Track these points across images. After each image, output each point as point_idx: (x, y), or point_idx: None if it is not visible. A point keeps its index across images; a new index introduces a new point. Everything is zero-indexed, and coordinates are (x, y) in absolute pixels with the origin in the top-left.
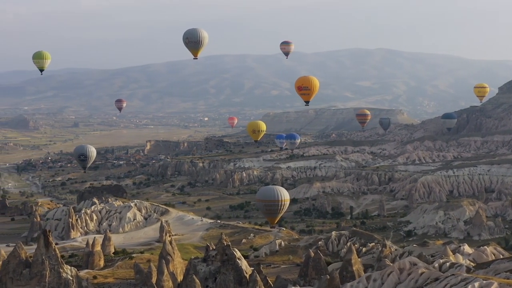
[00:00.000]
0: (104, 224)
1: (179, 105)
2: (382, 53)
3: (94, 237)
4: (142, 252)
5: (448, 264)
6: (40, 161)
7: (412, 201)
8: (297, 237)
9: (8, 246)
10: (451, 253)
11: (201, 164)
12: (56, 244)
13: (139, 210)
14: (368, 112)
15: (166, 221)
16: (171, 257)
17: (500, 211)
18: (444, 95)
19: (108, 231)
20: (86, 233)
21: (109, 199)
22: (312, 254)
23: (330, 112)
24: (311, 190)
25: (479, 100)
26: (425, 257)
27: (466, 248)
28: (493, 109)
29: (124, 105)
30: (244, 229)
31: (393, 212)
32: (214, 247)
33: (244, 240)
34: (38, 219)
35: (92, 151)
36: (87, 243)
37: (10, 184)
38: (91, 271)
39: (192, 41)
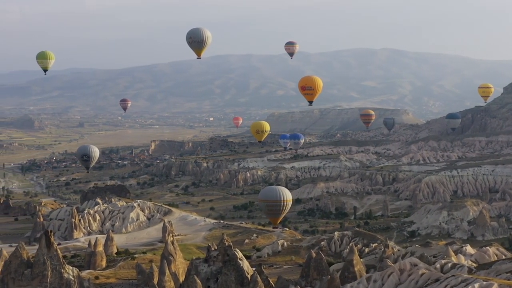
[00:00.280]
0: (107, 224)
1: (184, 105)
2: (388, 53)
3: (96, 238)
4: (144, 253)
5: (449, 264)
6: (45, 161)
7: (416, 201)
8: (300, 237)
9: (11, 246)
10: (453, 254)
11: (205, 164)
12: (59, 244)
13: (142, 210)
14: (372, 112)
15: (169, 222)
16: (173, 257)
17: (504, 211)
18: (449, 95)
19: (110, 231)
20: (89, 233)
21: (113, 199)
22: (314, 255)
23: (335, 112)
24: (315, 190)
25: (483, 100)
26: (426, 258)
27: (468, 249)
28: (498, 109)
29: (129, 104)
30: (247, 229)
31: (397, 213)
32: (216, 248)
33: (246, 241)
34: (41, 219)
35: (95, 151)
36: (89, 243)
37: (14, 184)
38: (93, 271)
39: (196, 41)
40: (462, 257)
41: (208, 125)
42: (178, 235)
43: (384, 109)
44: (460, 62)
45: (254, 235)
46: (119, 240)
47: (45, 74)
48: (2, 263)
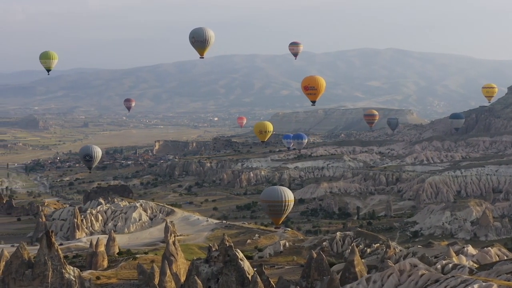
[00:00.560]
0: (110, 224)
1: (189, 105)
2: (392, 53)
3: (98, 238)
4: (146, 253)
5: (450, 265)
6: (49, 161)
7: (419, 201)
8: (302, 237)
9: (13, 246)
10: (454, 254)
11: (208, 164)
12: (61, 244)
13: (145, 210)
14: (376, 113)
15: (171, 222)
16: (174, 257)
17: (508, 211)
18: (454, 95)
19: (112, 231)
20: (91, 234)
21: (115, 199)
22: (315, 255)
23: (339, 112)
24: (318, 191)
25: (487, 100)
26: (427, 258)
27: (470, 249)
28: (502, 109)
29: (133, 104)
30: (249, 229)
31: (400, 213)
32: (217, 248)
33: (249, 241)
34: (44, 220)
35: (98, 152)
36: (91, 244)
37: (18, 184)
38: (94, 271)
39: (198, 40)
40: (463, 258)
41: (213, 125)
42: (180, 235)
43: (389, 109)
44: (465, 62)
45: (256, 235)
46: (121, 240)
47: (48, 74)
48: (3, 263)
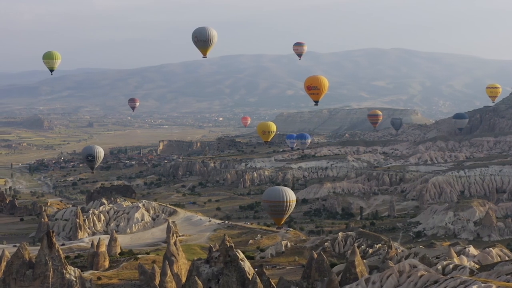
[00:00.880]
0: (112, 224)
1: (194, 105)
2: (398, 53)
3: (99, 238)
4: (148, 253)
5: (451, 266)
6: (53, 161)
7: (423, 201)
8: (304, 238)
9: (15, 246)
10: (455, 255)
11: (212, 164)
12: (63, 244)
13: (147, 210)
14: (379, 113)
15: (173, 222)
16: (176, 258)
17: (511, 212)
18: (459, 95)
19: (114, 231)
20: (93, 234)
21: (118, 200)
22: (315, 256)
23: (344, 112)
24: (322, 191)
25: (491, 100)
26: (428, 259)
27: (471, 250)
28: (507, 109)
29: (137, 104)
30: (251, 229)
31: (403, 213)
32: (218, 248)
33: (251, 241)
34: (46, 220)
35: (100, 152)
36: (92, 244)
37: (21, 184)
38: (95, 272)
39: (201, 40)
40: (464, 258)
41: (218, 125)
42: (182, 235)
43: (393, 109)
44: (471, 62)
45: (259, 235)
46: (124, 241)
47: (51, 74)
48: (4, 263)
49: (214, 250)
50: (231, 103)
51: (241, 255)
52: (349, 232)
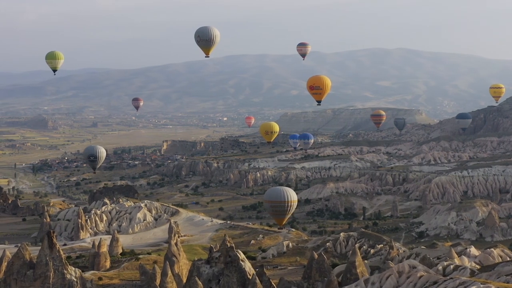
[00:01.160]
0: (114, 224)
1: (198, 105)
2: (402, 52)
3: (100, 238)
4: (149, 253)
5: (452, 266)
6: (56, 161)
7: (425, 202)
8: (306, 238)
9: (17, 246)
10: (456, 256)
11: (215, 164)
12: (65, 245)
13: (149, 210)
14: (383, 113)
15: (175, 222)
16: (177, 258)
17: None
18: (464, 95)
19: (116, 232)
20: (95, 234)
21: (120, 200)
22: (316, 256)
23: (348, 112)
24: (325, 191)
25: (495, 100)
26: (429, 260)
27: (473, 250)
28: (511, 109)
29: (141, 103)
30: (253, 230)
31: (406, 213)
32: (218, 249)
33: (253, 241)
34: (48, 220)
35: (102, 152)
36: (93, 244)
37: (25, 184)
38: (96, 272)
39: (204, 39)
40: (465, 259)
41: (222, 125)
42: (184, 235)
43: (398, 109)
44: (475, 62)
45: (260, 235)
46: (126, 241)
47: (54, 74)
48: (5, 263)
49: (214, 250)
50: (236, 103)
51: (241, 255)
52: (351, 233)
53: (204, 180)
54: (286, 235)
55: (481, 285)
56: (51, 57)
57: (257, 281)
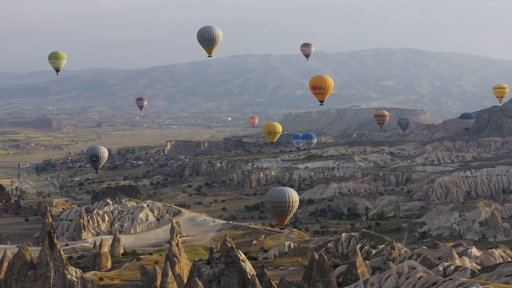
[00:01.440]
0: (116, 225)
1: (203, 105)
2: (406, 52)
3: (101, 239)
4: (151, 254)
5: (452, 267)
6: (60, 161)
7: (429, 202)
8: (308, 238)
9: (18, 247)
10: (457, 256)
11: (219, 165)
12: (66, 245)
13: (152, 211)
14: (386, 113)
15: (177, 222)
16: (178, 258)
17: None
18: (468, 95)
19: (117, 232)
20: (97, 234)
21: (123, 200)
22: (316, 257)
23: (352, 112)
24: (328, 191)
25: (498, 100)
26: (429, 260)
27: (474, 251)
28: None
29: (145, 103)
30: (255, 230)
31: (409, 213)
32: (219, 249)
33: (254, 242)
34: (50, 220)
35: (104, 152)
36: (94, 245)
37: (28, 185)
38: (98, 272)
39: (206, 39)
40: (466, 260)
41: (226, 125)
42: (186, 236)
43: (402, 109)
44: (480, 62)
45: (262, 236)
46: (128, 241)
47: (57, 74)
48: (6, 264)
49: (215, 251)
50: (240, 103)
51: (242, 256)
52: (353, 233)
53: (207, 180)
54: (288, 236)
55: (480, 286)
56: (54, 57)
57: (257, 281)
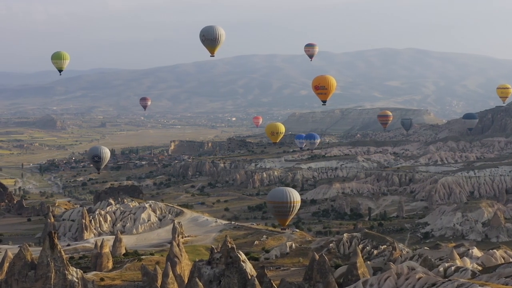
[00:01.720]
0: (118, 225)
1: (208, 105)
2: (411, 52)
3: (103, 239)
4: (152, 254)
5: (453, 268)
6: (64, 161)
7: (432, 202)
8: (310, 239)
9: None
10: (457, 257)
11: (222, 165)
12: (68, 245)
13: (154, 211)
14: (389, 113)
15: (179, 223)
16: (179, 259)
17: None
18: (473, 95)
19: (119, 232)
20: (99, 234)
21: (125, 200)
22: (317, 257)
23: (356, 112)
24: (331, 191)
25: (502, 101)
26: (430, 261)
27: (475, 251)
28: None
29: (149, 103)
30: (257, 230)
31: (412, 214)
32: (219, 250)
33: (256, 242)
34: (52, 220)
35: (106, 153)
36: (96, 245)
37: (31, 185)
38: (99, 273)
39: (209, 39)
40: (467, 260)
41: (230, 125)
42: (188, 236)
43: (406, 109)
44: (484, 62)
45: (264, 236)
46: (129, 241)
47: (60, 75)
48: (7, 264)
49: (215, 251)
50: (245, 103)
51: (242, 256)
52: (354, 233)
53: (211, 181)
54: (290, 236)
55: (479, 287)
56: (56, 57)
57: (256, 282)
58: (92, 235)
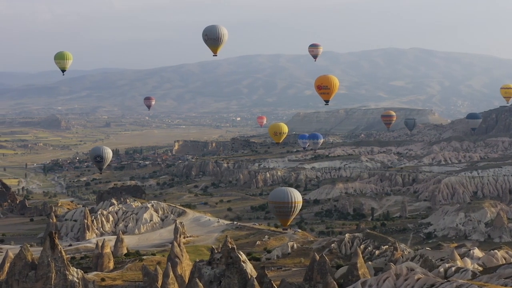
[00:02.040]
0: (120, 225)
1: (212, 105)
2: (416, 52)
3: (104, 239)
4: (154, 254)
5: (453, 268)
6: (67, 161)
7: (435, 202)
8: (312, 239)
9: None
10: (458, 257)
11: (225, 165)
12: (70, 245)
13: (156, 211)
14: (393, 113)
15: (181, 223)
16: (179, 259)
17: None
18: (478, 95)
19: (121, 232)
20: (101, 234)
21: (128, 200)
22: (317, 258)
23: (360, 112)
24: (334, 191)
25: (505, 101)
26: (431, 261)
27: (476, 252)
28: None
29: (153, 102)
30: (259, 230)
31: (415, 214)
32: (220, 250)
33: (258, 242)
34: (54, 220)
35: (108, 153)
36: (97, 245)
37: (35, 184)
38: (99, 273)
39: (211, 38)
40: (468, 261)
41: (235, 125)
42: (190, 236)
43: (410, 109)
44: (489, 62)
45: (266, 236)
46: (131, 241)
47: (63, 75)
48: (8, 264)
49: (216, 251)
50: (249, 103)
51: (243, 256)
52: (356, 234)
53: (214, 181)
54: (292, 236)
55: None
56: (59, 57)
57: (255, 283)
58: (94, 235)
